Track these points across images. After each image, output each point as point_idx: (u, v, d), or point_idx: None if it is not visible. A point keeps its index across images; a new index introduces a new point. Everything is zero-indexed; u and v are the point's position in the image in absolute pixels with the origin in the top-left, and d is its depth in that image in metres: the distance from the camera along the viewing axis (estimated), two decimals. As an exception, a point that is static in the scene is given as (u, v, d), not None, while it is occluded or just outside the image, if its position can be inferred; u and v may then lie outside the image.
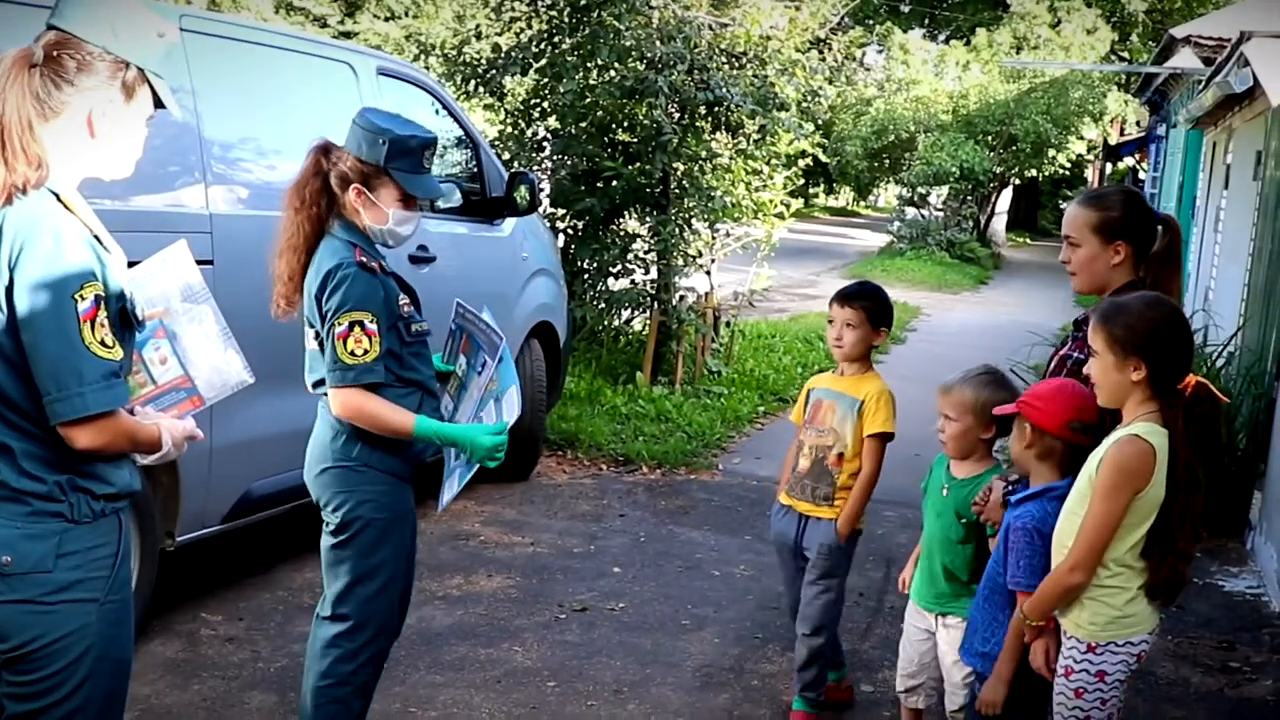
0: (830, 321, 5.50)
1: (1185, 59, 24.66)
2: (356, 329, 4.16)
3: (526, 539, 7.98)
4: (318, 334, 4.30)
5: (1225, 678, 6.42)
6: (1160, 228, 4.27)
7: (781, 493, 5.67)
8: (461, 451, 4.43)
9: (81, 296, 2.87)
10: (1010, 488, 4.30)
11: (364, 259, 4.26)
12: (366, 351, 4.18)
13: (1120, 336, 3.70)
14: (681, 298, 12.86)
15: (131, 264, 3.23)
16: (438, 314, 4.78)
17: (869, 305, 5.41)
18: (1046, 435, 4.01)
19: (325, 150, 4.39)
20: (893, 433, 5.39)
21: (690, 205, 12.60)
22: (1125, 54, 45.25)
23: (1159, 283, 4.19)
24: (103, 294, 2.93)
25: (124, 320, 3.05)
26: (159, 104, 3.14)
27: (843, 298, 5.44)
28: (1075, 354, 4.22)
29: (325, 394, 4.34)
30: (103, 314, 2.92)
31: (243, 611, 6.45)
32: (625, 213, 12.78)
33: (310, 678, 4.49)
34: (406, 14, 28.43)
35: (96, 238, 3.01)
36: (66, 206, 2.96)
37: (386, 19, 28.15)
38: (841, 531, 5.39)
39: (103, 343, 2.91)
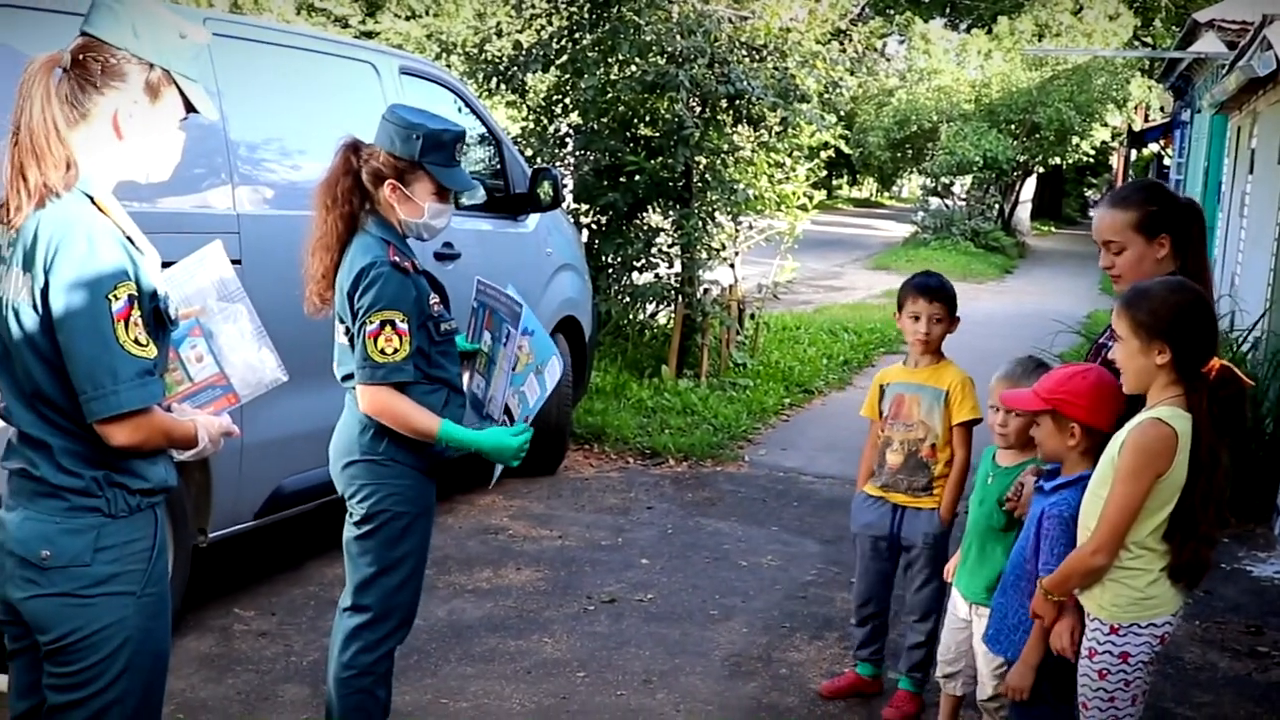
0: (914, 317, 5.51)
1: (1209, 43, 24.60)
2: (388, 328, 4.21)
3: (554, 532, 8.04)
4: (348, 329, 4.35)
5: (1253, 662, 6.44)
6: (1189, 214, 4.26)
7: (865, 486, 5.73)
8: (486, 456, 4.48)
9: (115, 296, 2.93)
10: (1040, 478, 4.32)
11: (397, 258, 4.31)
12: (396, 350, 4.23)
13: (1144, 321, 3.72)
14: (706, 291, 12.91)
15: (165, 265, 3.29)
16: (463, 310, 4.84)
17: (950, 297, 5.52)
18: (1094, 432, 4.02)
19: (354, 148, 4.44)
20: (981, 418, 5.45)
21: (713, 198, 12.63)
22: (1148, 39, 45.11)
23: (1190, 268, 4.16)
24: (136, 293, 2.99)
25: (158, 319, 3.11)
26: (191, 108, 3.19)
27: (928, 292, 5.48)
28: (1111, 342, 4.24)
29: (354, 388, 4.40)
30: (136, 313, 2.98)
31: (274, 606, 6.52)
32: (648, 207, 12.82)
33: (334, 669, 4.56)
34: (427, 13, 28.50)
35: (129, 239, 3.06)
36: (100, 208, 3.02)
37: (407, 18, 28.22)
38: (944, 518, 5.51)
39: (136, 341, 2.97)
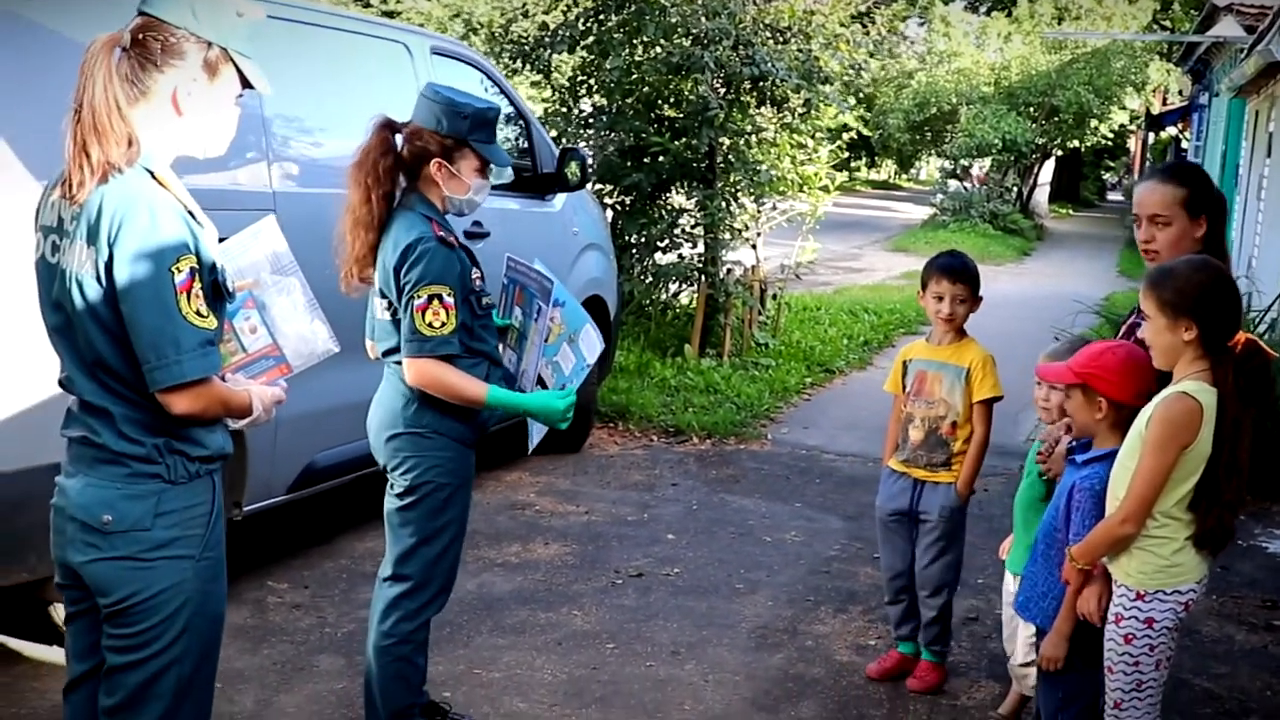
0: (938, 297, 5.58)
1: (1227, 27, 24.60)
2: (435, 302, 4.31)
3: (581, 508, 8.14)
4: (391, 305, 4.44)
5: (1269, 635, 6.53)
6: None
7: (890, 460, 5.80)
8: (534, 418, 4.59)
9: (178, 269, 3.02)
10: (1073, 444, 4.41)
11: (443, 233, 4.40)
12: (444, 324, 4.33)
13: (1170, 299, 3.81)
14: (729, 271, 13.00)
15: (220, 239, 3.39)
16: (492, 287, 4.92)
17: (974, 277, 5.59)
18: (1122, 406, 4.11)
19: (390, 126, 4.52)
20: (1001, 395, 5.56)
21: (736, 179, 12.72)
22: (1167, 23, 45.03)
23: (1209, 251, 4.23)
24: (197, 266, 3.08)
25: (215, 291, 3.20)
26: (247, 84, 3.30)
27: (953, 273, 5.55)
28: (1139, 321, 4.32)
29: (395, 362, 4.50)
30: (197, 285, 3.07)
31: (308, 579, 6.63)
32: (672, 187, 12.91)
33: (374, 637, 4.67)
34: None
35: (190, 213, 3.16)
36: (160, 183, 3.11)
37: (429, -2, 28.23)
38: (961, 493, 5.58)
39: (198, 313, 3.07)
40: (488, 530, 7.48)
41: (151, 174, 3.11)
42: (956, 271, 5.55)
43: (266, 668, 5.60)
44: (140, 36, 3.12)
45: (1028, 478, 4.97)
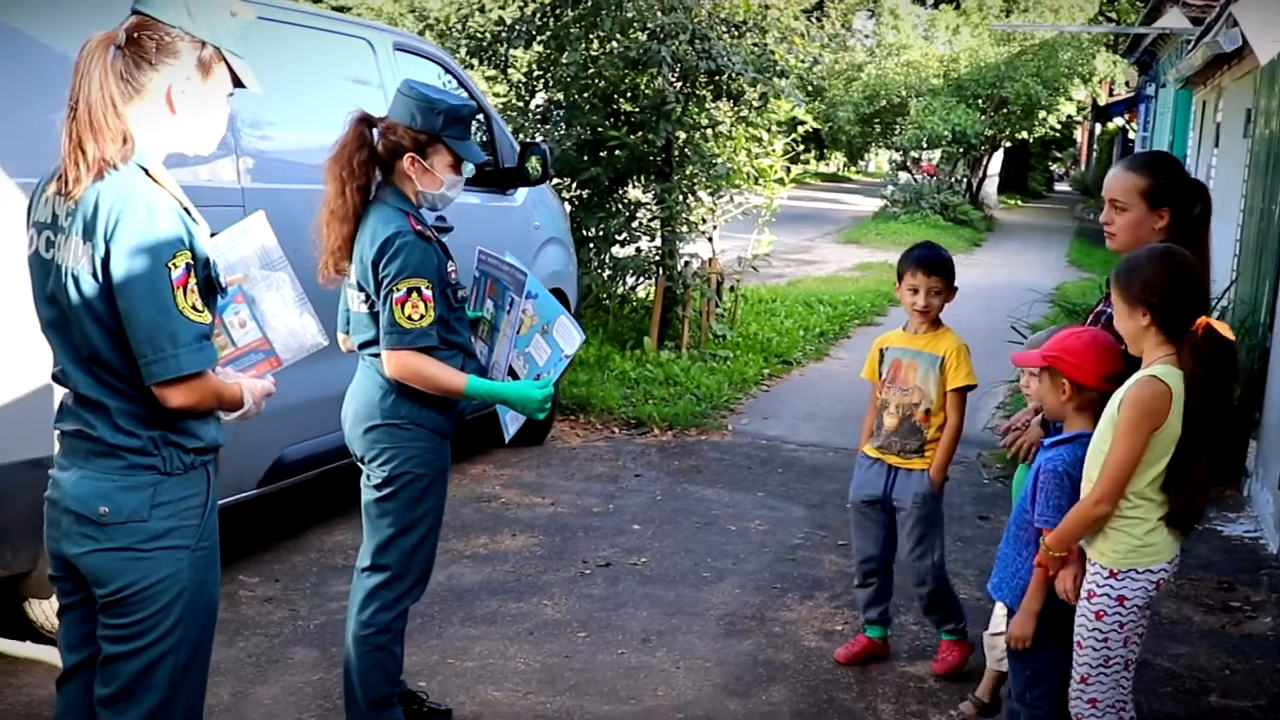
0: (913, 290, 5.66)
1: (1174, 19, 24.79)
2: (414, 295, 4.37)
3: (546, 500, 8.21)
4: (368, 298, 4.51)
5: (1226, 616, 6.67)
6: (1196, 193, 4.44)
7: (865, 446, 5.89)
8: (511, 407, 4.66)
9: (174, 264, 3.08)
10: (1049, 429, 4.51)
11: (419, 227, 4.47)
12: (423, 316, 4.39)
13: (1128, 287, 3.95)
14: (686, 264, 13.07)
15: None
16: (463, 280, 4.98)
17: (949, 269, 5.68)
18: (1085, 389, 4.21)
19: (367, 121, 4.58)
20: (975, 384, 5.66)
21: (693, 173, 12.80)
22: (1114, 15, 45.31)
23: (1195, 247, 4.29)
24: (192, 262, 3.14)
25: (209, 286, 3.26)
26: (238, 83, 3.35)
27: (927, 265, 5.63)
28: (1107, 309, 4.44)
29: (373, 354, 4.56)
30: (193, 280, 3.13)
31: (278, 573, 6.67)
32: (629, 181, 12.97)
33: (353, 626, 4.74)
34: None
35: (185, 209, 3.22)
36: (154, 180, 3.17)
37: (380, -7, 28.17)
38: (934, 479, 5.64)
39: (194, 307, 3.12)
40: (455, 523, 7.54)
41: (146, 171, 3.16)
42: (931, 264, 5.64)
43: (242, 660, 5.64)
44: (135, 35, 3.17)
45: (1024, 463, 5.06)
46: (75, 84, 3.12)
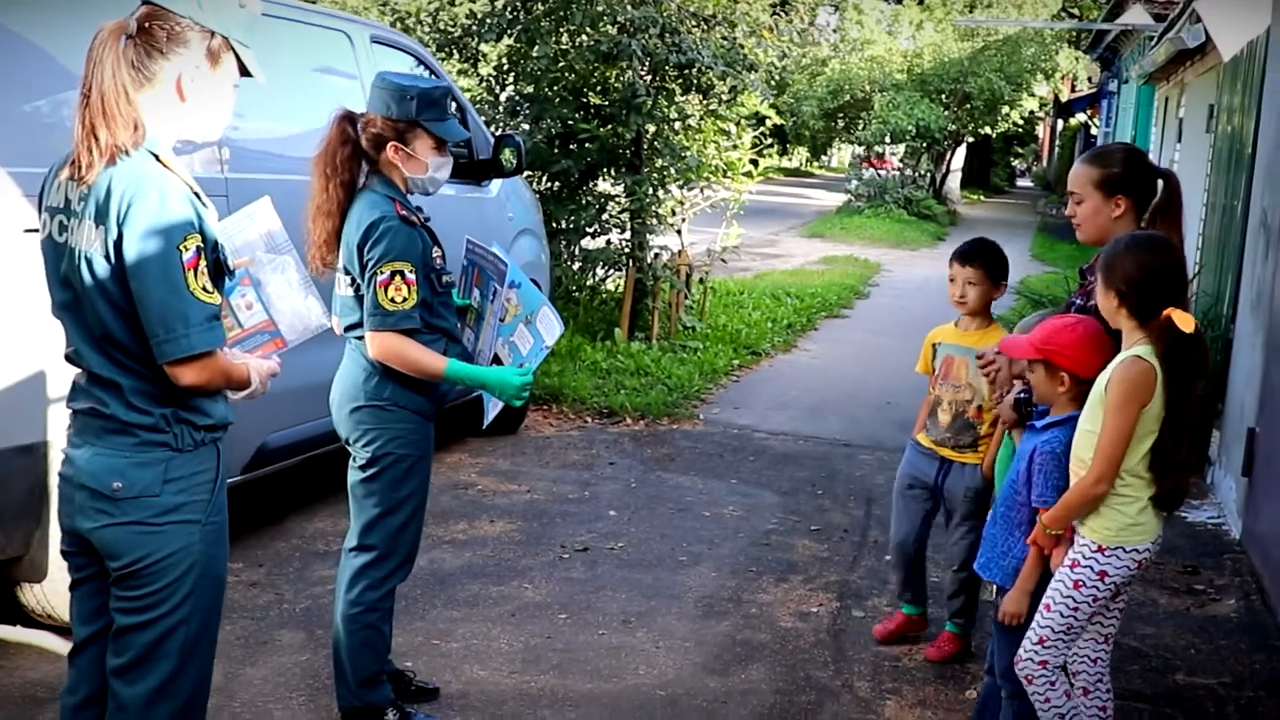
0: (951, 280, 5.74)
1: (1136, 15, 25.04)
2: (397, 278, 4.48)
3: (523, 487, 8.32)
4: (354, 282, 4.62)
5: (1191, 599, 6.83)
6: (1160, 182, 4.56)
7: (921, 436, 5.96)
8: (490, 392, 4.77)
9: (185, 247, 3.18)
10: (1034, 410, 4.63)
11: (404, 213, 4.58)
12: (405, 299, 4.50)
13: (1103, 269, 4.12)
14: (656, 256, 13.18)
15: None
16: (450, 268, 5.09)
17: (988, 262, 5.70)
18: (1083, 381, 4.34)
19: (349, 118, 4.70)
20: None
21: (662, 165, 12.91)
22: (1076, 11, 45.64)
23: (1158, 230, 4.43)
24: (202, 244, 3.24)
25: (217, 269, 3.36)
26: (245, 72, 3.46)
27: (963, 257, 5.71)
28: (1078, 300, 4.58)
29: (358, 338, 4.67)
30: (203, 263, 3.23)
31: (261, 559, 6.75)
32: (600, 174, 13.09)
33: (341, 606, 4.84)
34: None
35: (195, 194, 3.32)
36: (165, 165, 3.27)
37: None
38: (986, 474, 5.65)
39: (204, 289, 3.23)
40: (433, 509, 7.62)
41: (156, 157, 3.26)
42: (966, 255, 5.71)
43: (230, 643, 5.72)
44: (146, 24, 3.27)
45: (1004, 446, 5.16)
46: (88, 72, 3.22)
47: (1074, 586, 4.17)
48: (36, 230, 3.44)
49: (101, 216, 3.17)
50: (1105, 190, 4.51)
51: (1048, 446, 4.37)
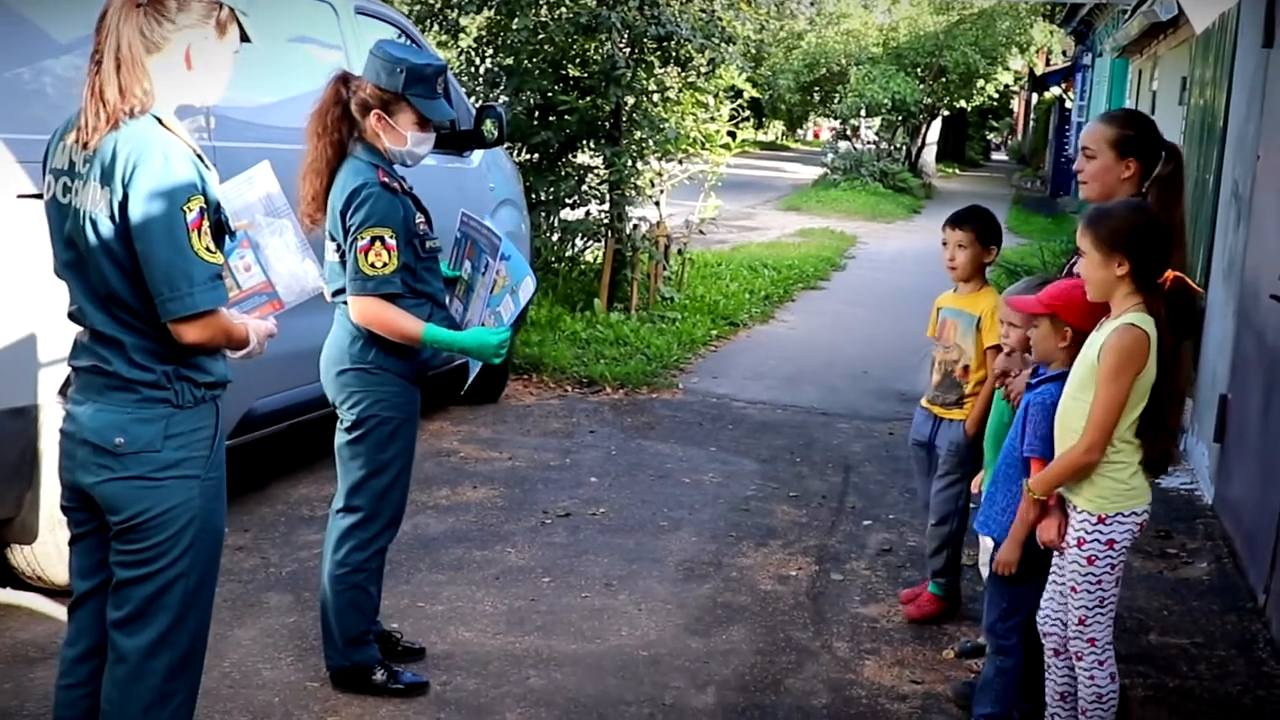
0: (944, 244, 5.90)
1: (1111, -11, 25.09)
2: (377, 243, 4.58)
3: (504, 454, 8.40)
4: (339, 247, 4.72)
5: (1164, 562, 6.95)
6: (1165, 153, 4.64)
7: (925, 399, 6.11)
8: (468, 354, 4.87)
9: (189, 208, 3.28)
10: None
11: (386, 179, 4.68)
12: (386, 264, 4.60)
13: (1105, 237, 4.14)
14: (635, 227, 13.25)
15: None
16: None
17: (977, 226, 5.84)
18: (1083, 335, 4.44)
19: (344, 80, 4.80)
20: None
21: (641, 137, 12.97)
22: (1051, -15, 45.71)
23: (1162, 204, 4.55)
24: (205, 206, 3.34)
25: (219, 230, 3.45)
26: (245, 39, 3.55)
27: (953, 221, 5.87)
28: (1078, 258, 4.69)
29: (344, 302, 4.76)
30: (206, 223, 3.33)
31: (247, 524, 6.83)
32: (579, 146, 13.15)
33: (329, 566, 4.95)
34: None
35: (199, 156, 3.41)
36: (168, 129, 3.36)
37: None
38: (969, 430, 5.77)
39: (207, 249, 3.32)
40: (416, 475, 7.59)
41: (160, 121, 3.35)
42: (957, 219, 5.85)
43: (218, 605, 5.66)
44: None
45: (995, 412, 5.24)
46: (101, 38, 3.31)
47: (1089, 563, 4.26)
48: (29, 196, 3.52)
49: (107, 178, 3.26)
50: (1119, 150, 4.60)
51: (1038, 398, 4.47)
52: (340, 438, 4.92)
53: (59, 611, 5.29)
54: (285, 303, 3.89)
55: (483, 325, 5.06)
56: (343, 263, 4.73)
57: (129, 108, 3.27)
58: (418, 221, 4.81)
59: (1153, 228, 4.16)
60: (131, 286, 3.32)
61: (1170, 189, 4.61)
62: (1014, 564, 4.57)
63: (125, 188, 3.24)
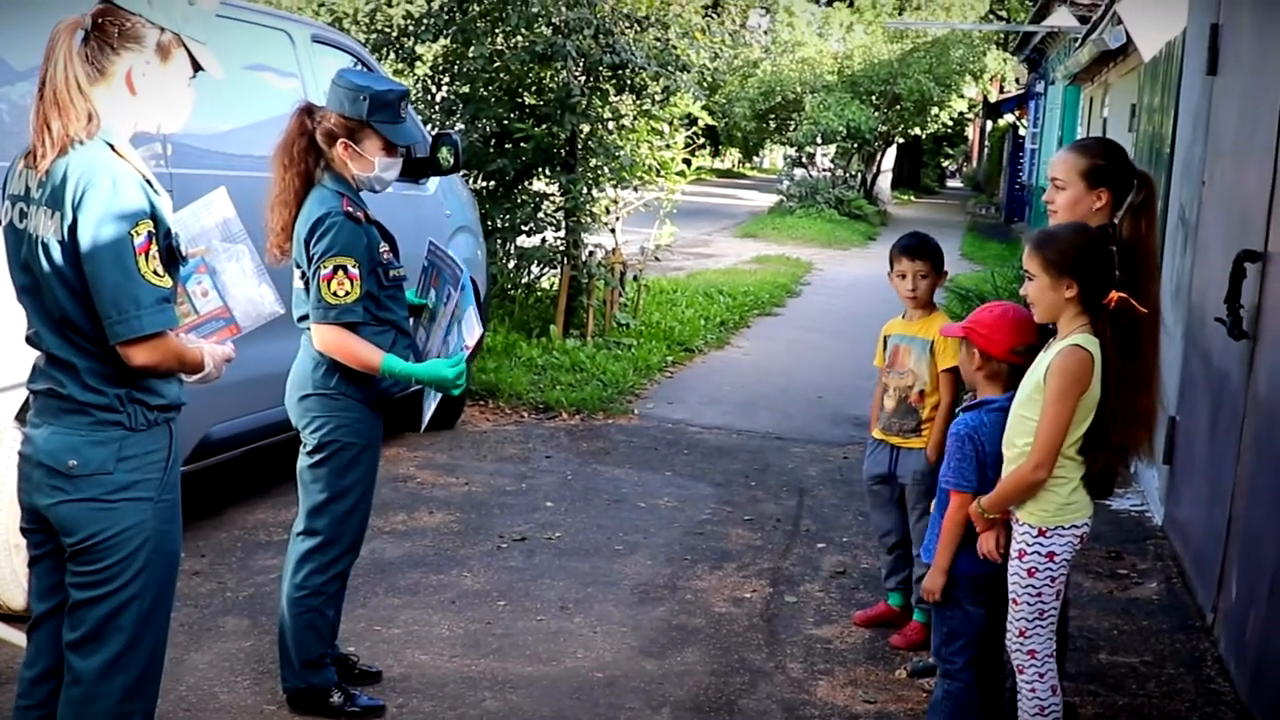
0: (901, 275, 5.98)
1: (1062, 17, 25.41)
2: (340, 272, 4.63)
3: (461, 480, 8.43)
4: (304, 274, 4.75)
5: (1114, 582, 7.03)
6: (1137, 181, 4.64)
7: (874, 429, 6.17)
8: (425, 385, 4.92)
9: (136, 232, 3.33)
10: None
11: (351, 209, 4.72)
12: (348, 293, 4.65)
13: (1054, 259, 4.22)
14: (591, 254, 13.30)
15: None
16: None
17: (933, 254, 5.99)
18: (993, 360, 4.52)
19: (309, 111, 4.85)
20: None
21: (597, 165, 13.04)
22: (1004, 13, 46.16)
23: (1136, 233, 4.57)
24: (154, 230, 3.38)
25: (170, 255, 3.50)
26: (197, 67, 3.59)
27: (909, 252, 5.97)
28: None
29: (307, 328, 4.80)
30: (154, 247, 3.38)
31: (203, 549, 6.84)
32: (535, 173, 13.20)
33: (287, 589, 4.99)
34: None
35: (148, 181, 3.45)
36: (120, 155, 3.40)
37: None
38: (930, 457, 5.86)
39: (155, 272, 3.37)
40: (373, 501, 7.71)
41: (111, 146, 3.39)
42: (914, 249, 5.96)
43: (175, 629, 5.72)
44: (100, 21, 3.42)
45: None
46: (46, 66, 3.36)
47: (1029, 575, 4.33)
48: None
49: (57, 202, 3.31)
50: (1090, 180, 4.59)
51: (955, 429, 4.60)
52: (302, 461, 4.96)
53: (18, 637, 5.29)
54: (242, 327, 3.93)
55: (439, 356, 5.11)
56: (307, 289, 4.77)
57: (74, 135, 3.33)
58: (382, 250, 4.86)
59: (1098, 249, 4.23)
60: (83, 310, 3.36)
61: (1143, 217, 4.62)
62: (937, 592, 4.64)
63: (75, 212, 3.29)
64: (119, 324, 3.32)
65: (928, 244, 6.02)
